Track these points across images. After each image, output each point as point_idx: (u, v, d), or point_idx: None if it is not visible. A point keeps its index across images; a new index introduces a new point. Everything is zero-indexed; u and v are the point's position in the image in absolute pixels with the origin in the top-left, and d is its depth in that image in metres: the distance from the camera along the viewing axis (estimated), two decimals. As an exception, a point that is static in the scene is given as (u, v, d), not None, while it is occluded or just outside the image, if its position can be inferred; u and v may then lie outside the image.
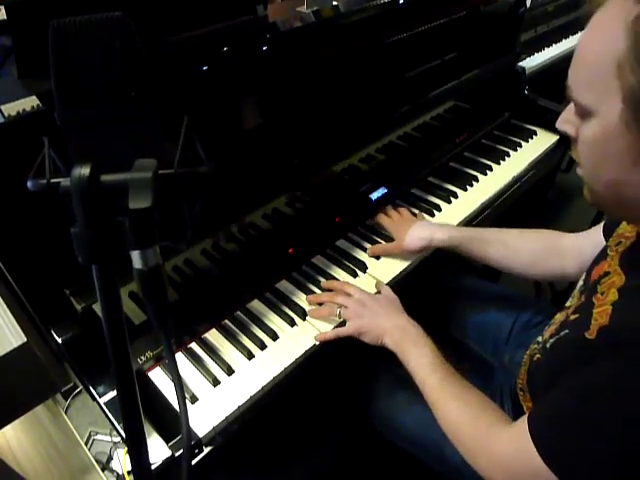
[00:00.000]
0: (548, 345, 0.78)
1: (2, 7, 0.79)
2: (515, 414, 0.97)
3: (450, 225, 1.17)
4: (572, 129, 0.64)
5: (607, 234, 0.84)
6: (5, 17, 0.77)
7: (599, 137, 0.59)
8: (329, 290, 1.05)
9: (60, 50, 0.40)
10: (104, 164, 0.38)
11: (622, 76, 0.53)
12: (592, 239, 0.92)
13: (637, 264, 0.66)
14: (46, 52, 0.41)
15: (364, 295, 1.00)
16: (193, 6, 0.97)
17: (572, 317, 0.74)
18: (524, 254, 1.05)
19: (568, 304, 0.84)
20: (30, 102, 0.74)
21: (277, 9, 1.22)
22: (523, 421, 0.67)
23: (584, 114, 0.60)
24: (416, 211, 1.28)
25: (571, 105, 0.64)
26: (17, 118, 0.71)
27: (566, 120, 0.65)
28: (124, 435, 0.79)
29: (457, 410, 0.79)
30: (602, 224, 0.91)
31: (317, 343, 0.95)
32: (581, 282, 0.81)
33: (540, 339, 0.87)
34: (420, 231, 1.12)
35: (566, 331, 0.73)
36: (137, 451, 0.49)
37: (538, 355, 0.83)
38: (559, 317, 0.83)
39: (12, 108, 0.73)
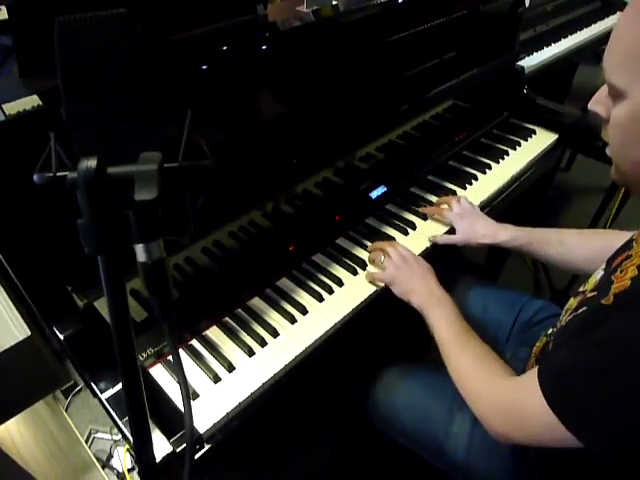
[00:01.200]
0: (564, 323, 0.79)
1: (3, 7, 0.80)
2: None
3: (511, 225, 1.18)
4: (603, 110, 0.66)
5: None
6: (6, 17, 0.77)
7: (629, 118, 0.61)
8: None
9: (66, 46, 0.40)
10: (109, 159, 0.39)
11: None
12: None
13: None
14: (47, 51, 0.42)
15: (409, 253, 1.08)
16: (193, 6, 0.97)
17: (590, 295, 0.76)
18: (582, 253, 1.06)
19: (582, 289, 0.85)
20: (31, 102, 0.75)
21: (277, 9, 1.22)
22: (531, 374, 0.70)
23: (616, 95, 0.62)
24: (416, 210, 1.28)
25: (604, 86, 0.65)
26: (22, 114, 0.71)
27: (598, 101, 0.67)
28: (127, 430, 0.79)
29: (466, 359, 0.86)
30: None
31: (316, 339, 0.95)
32: (601, 271, 0.82)
33: (550, 330, 0.88)
34: (483, 228, 1.16)
35: (584, 308, 0.74)
36: (142, 443, 0.49)
37: (552, 343, 0.84)
38: (573, 302, 0.84)
39: (13, 107, 0.73)
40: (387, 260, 1.07)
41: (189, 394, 0.47)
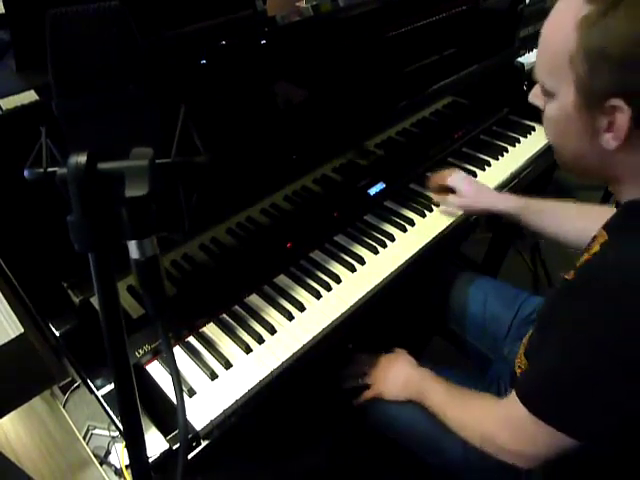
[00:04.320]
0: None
1: (-1, 0, 0.79)
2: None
3: (511, 194, 1.19)
4: (541, 102, 0.71)
5: None
6: (3, 10, 0.77)
7: (560, 117, 0.67)
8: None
9: (57, 39, 0.40)
10: (102, 154, 0.38)
11: (574, 67, 0.60)
12: None
13: (617, 225, 0.72)
14: (44, 45, 0.41)
15: (378, 360, 1.11)
16: (192, 0, 0.97)
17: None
18: (573, 226, 1.05)
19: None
20: (28, 96, 0.74)
21: (276, 3, 1.21)
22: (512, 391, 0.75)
23: (547, 94, 0.68)
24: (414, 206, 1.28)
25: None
26: (18, 109, 0.71)
27: (536, 95, 0.72)
28: (122, 428, 0.79)
29: (459, 407, 0.90)
30: None
31: (314, 336, 0.96)
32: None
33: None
34: (484, 195, 1.18)
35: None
36: (134, 444, 0.49)
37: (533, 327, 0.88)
38: None
39: (10, 102, 0.73)
40: (367, 378, 1.09)
41: (182, 391, 0.47)
